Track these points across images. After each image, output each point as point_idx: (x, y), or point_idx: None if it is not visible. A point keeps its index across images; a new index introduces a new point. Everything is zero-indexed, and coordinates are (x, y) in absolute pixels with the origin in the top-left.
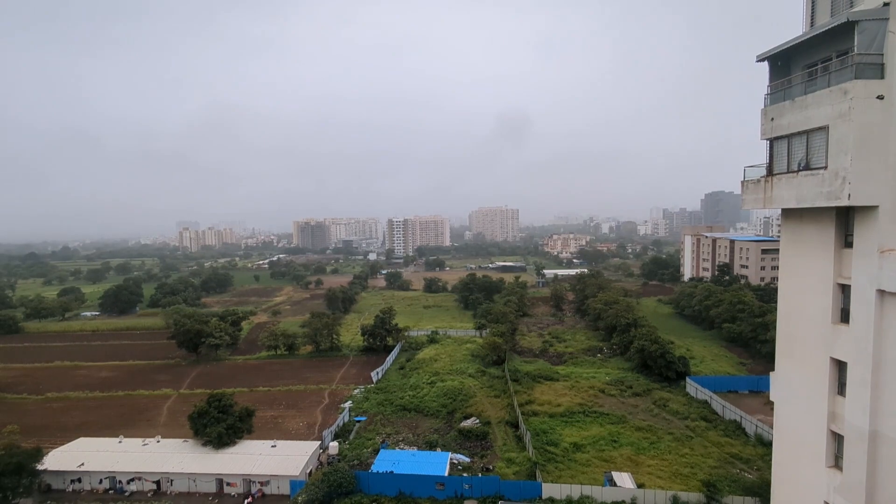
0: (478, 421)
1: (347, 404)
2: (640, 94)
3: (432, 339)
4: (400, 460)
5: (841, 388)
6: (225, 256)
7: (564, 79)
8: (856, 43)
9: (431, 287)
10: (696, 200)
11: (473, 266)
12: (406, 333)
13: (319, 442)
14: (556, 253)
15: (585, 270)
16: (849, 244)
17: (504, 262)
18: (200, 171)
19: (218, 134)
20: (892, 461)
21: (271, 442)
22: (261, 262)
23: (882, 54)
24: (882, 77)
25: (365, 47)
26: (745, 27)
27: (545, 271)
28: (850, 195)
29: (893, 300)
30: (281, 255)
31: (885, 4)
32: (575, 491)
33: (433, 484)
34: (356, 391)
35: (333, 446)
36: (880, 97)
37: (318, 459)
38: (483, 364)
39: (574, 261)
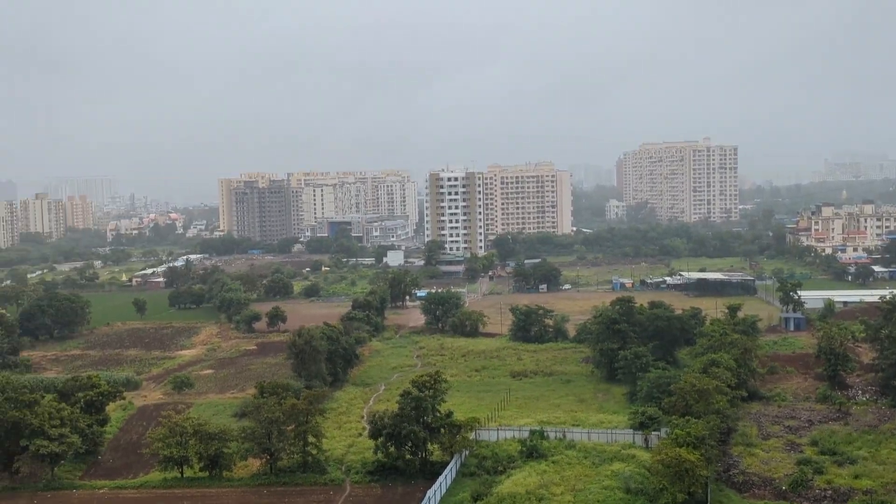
0: None
1: None
2: None
3: (533, 450)
4: None
5: None
6: (73, 258)
7: None
8: None
9: (528, 328)
10: None
11: (628, 280)
12: (472, 435)
13: None
14: (826, 249)
15: None
16: None
17: (703, 270)
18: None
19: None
20: None
21: None
22: (150, 269)
23: None
24: None
25: None
26: None
27: (803, 293)
28: None
29: None
30: (192, 257)
31: None
32: None
33: None
34: None
35: None
36: None
37: None
38: None
39: (875, 269)
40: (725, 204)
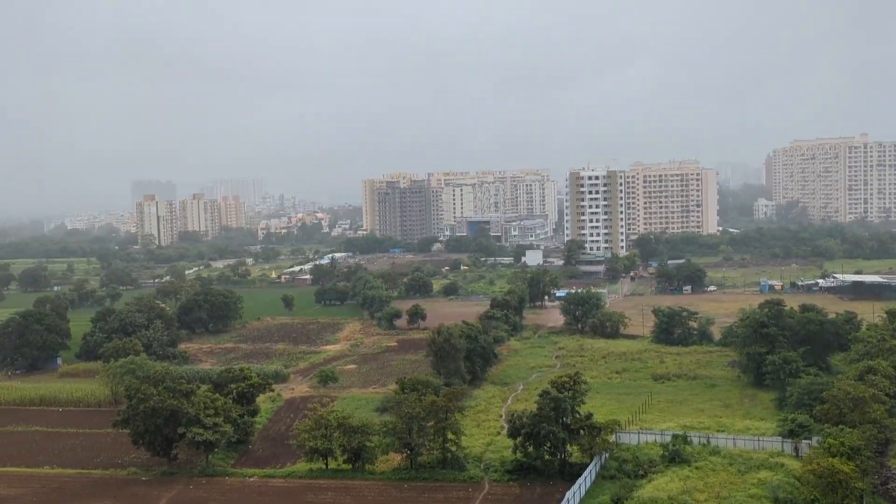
0: None
1: None
2: None
3: (675, 455)
4: None
5: None
6: (227, 256)
7: None
8: None
9: (671, 330)
10: None
11: (777, 282)
12: (612, 437)
13: None
14: None
15: None
16: None
17: (859, 273)
18: (191, 86)
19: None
20: None
21: None
22: (297, 266)
23: None
24: None
25: None
26: None
27: None
28: None
29: None
30: (337, 255)
31: None
32: None
33: None
34: None
35: None
36: None
37: None
38: None
39: None
40: (884, 203)
